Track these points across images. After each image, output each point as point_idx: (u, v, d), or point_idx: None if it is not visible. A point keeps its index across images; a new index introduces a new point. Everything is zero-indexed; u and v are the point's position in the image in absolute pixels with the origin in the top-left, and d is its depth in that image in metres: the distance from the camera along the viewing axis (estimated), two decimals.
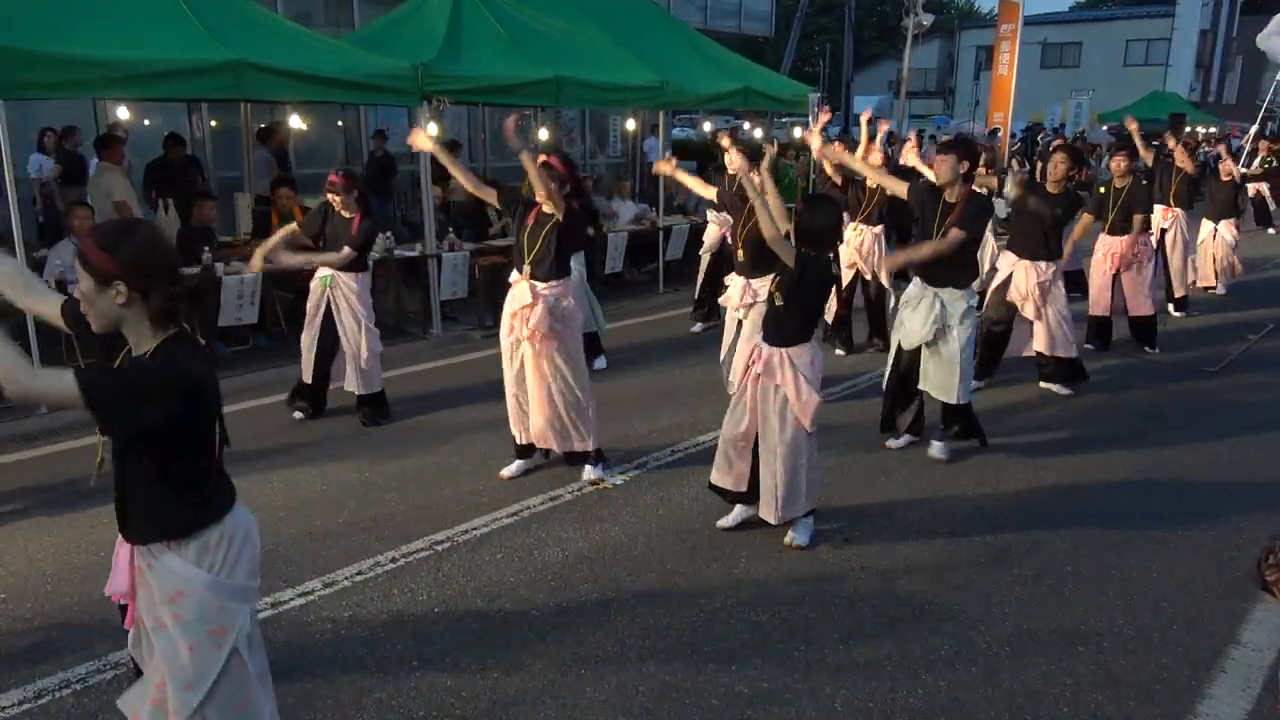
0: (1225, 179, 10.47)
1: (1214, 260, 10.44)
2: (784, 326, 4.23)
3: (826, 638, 3.67)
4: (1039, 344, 6.65)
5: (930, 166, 5.94)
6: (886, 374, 5.66)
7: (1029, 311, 6.50)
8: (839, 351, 7.82)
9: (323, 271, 5.86)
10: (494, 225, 9.45)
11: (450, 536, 4.48)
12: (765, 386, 4.25)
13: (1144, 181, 7.94)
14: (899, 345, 5.50)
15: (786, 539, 4.44)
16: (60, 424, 5.77)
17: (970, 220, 5.10)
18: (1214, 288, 10.50)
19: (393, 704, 3.23)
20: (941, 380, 5.34)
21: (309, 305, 6.00)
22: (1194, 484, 5.24)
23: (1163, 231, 9.33)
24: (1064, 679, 3.42)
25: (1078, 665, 3.51)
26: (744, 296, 5.74)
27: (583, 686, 3.34)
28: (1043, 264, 6.37)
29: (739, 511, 4.60)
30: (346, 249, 5.73)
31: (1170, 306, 9.35)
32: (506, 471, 5.21)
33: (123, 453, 2.27)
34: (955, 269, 5.22)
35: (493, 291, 8.53)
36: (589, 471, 5.17)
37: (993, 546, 4.46)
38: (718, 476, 4.54)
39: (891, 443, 5.71)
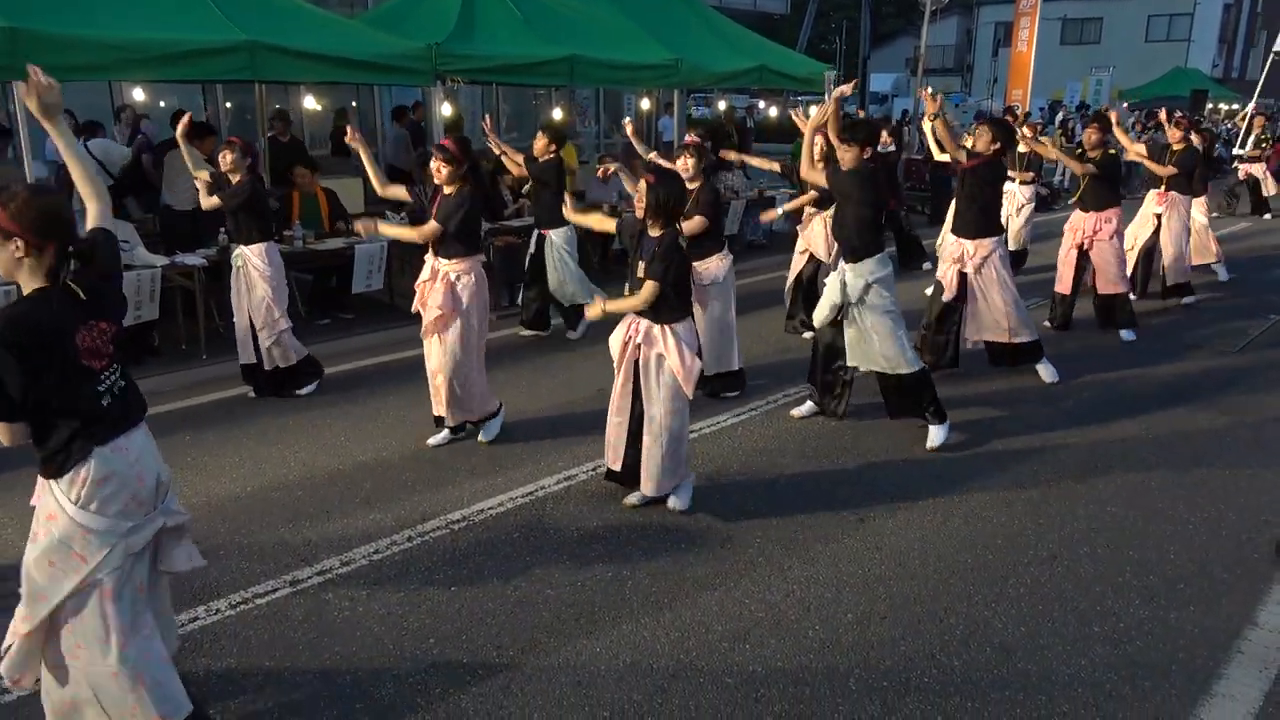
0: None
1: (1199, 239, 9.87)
2: (661, 304, 4.25)
3: (841, 618, 3.68)
4: (989, 334, 6.37)
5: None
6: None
7: (952, 290, 6.24)
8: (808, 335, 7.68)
9: (235, 251, 5.98)
10: (509, 206, 9.45)
11: (466, 516, 4.52)
12: (647, 358, 4.30)
13: (1115, 155, 7.60)
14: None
15: (670, 505, 4.53)
16: None
17: (856, 191, 5.06)
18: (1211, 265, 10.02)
19: (410, 681, 3.26)
20: (869, 353, 5.27)
21: (232, 287, 6.08)
22: (1213, 464, 5.21)
23: (1157, 216, 8.80)
24: (1079, 660, 3.43)
25: (1093, 646, 3.51)
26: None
27: (597, 664, 3.37)
28: (975, 242, 6.11)
29: (640, 494, 4.61)
30: (215, 198, 5.84)
31: (1178, 295, 8.86)
32: (432, 440, 5.40)
33: None
34: (853, 243, 5.16)
35: (508, 271, 8.54)
36: (481, 435, 5.44)
37: (1008, 528, 4.46)
38: (612, 462, 4.60)
39: (796, 410, 5.88)
